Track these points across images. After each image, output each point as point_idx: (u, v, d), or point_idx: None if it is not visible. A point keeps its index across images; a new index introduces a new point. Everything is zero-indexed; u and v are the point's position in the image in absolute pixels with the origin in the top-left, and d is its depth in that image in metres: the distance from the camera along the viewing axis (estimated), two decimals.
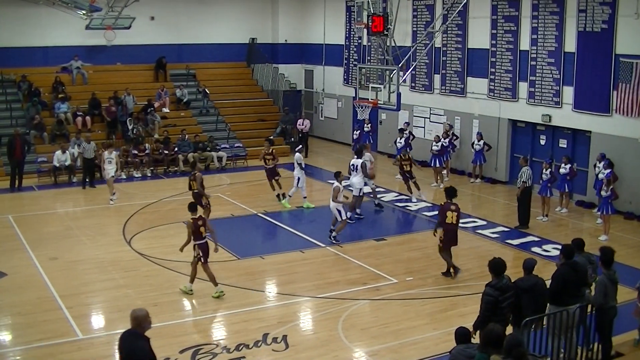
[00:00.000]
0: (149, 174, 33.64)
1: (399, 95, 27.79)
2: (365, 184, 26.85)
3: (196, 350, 15.33)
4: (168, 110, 38.81)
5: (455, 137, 33.00)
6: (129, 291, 18.80)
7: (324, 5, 41.62)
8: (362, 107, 29.62)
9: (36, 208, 27.85)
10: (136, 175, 33.27)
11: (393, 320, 17.14)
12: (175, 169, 34.49)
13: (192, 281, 18.70)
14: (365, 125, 36.10)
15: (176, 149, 34.83)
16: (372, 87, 29.13)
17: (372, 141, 37.48)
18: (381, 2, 29.60)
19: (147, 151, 34.19)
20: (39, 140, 34.52)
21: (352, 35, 40.65)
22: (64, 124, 35.49)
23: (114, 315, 17.44)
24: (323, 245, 22.81)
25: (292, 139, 39.66)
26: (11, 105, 36.10)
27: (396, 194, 29.65)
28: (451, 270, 20.06)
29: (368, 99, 28.95)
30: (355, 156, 26.89)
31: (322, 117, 43.79)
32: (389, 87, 28.04)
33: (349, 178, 26.04)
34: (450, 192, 20.81)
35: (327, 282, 19.68)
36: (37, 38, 38.14)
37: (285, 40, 44.76)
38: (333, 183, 23.55)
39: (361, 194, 26.39)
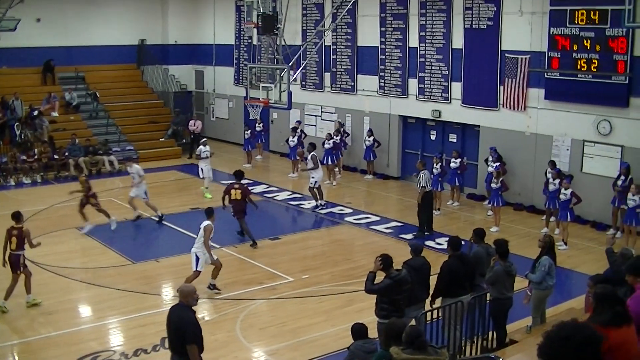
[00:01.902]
0: (39, 180, 32.94)
1: (289, 94, 27.81)
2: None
3: (94, 357, 15.08)
4: (57, 115, 38.05)
5: (346, 135, 33.22)
6: (22, 300, 18.33)
7: (213, 5, 41.39)
8: (253, 107, 29.58)
9: None
10: (25, 182, 32.50)
11: (291, 318, 17.18)
12: (66, 174, 33.83)
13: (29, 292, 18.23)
14: (257, 125, 36.12)
15: (66, 153, 34.19)
16: (262, 86, 29.13)
17: (264, 141, 37.56)
18: (270, 1, 29.59)
19: (36, 157, 33.48)
20: None
21: (242, 35, 40.59)
22: None
23: (6, 327, 17.04)
24: (217, 247, 22.58)
25: (184, 141, 39.41)
26: None
27: (289, 193, 29.71)
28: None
29: (259, 99, 28.94)
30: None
31: (213, 117, 43.58)
32: (280, 86, 28.06)
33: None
34: (238, 174, 24.17)
35: (223, 283, 19.56)
36: None
37: (175, 41, 44.38)
38: (203, 222, 19.02)
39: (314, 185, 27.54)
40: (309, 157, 27.36)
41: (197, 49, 44.23)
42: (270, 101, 28.44)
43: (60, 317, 17.39)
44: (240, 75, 40.69)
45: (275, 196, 29.41)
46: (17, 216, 18.31)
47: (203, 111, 44.11)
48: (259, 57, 38.12)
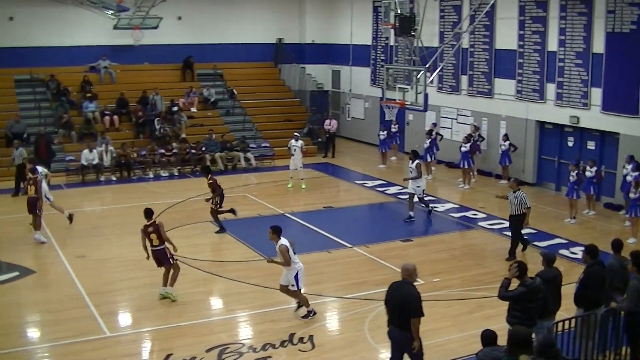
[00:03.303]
0: (176, 173, 33.82)
1: (426, 96, 27.73)
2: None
3: (222, 349, 15.38)
4: (195, 110, 38.98)
5: (481, 139, 32.85)
6: (155, 290, 18.85)
7: (351, 5, 41.61)
8: (389, 108, 29.57)
9: (64, 206, 27.97)
10: (163, 175, 33.44)
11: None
12: None
13: (165, 285, 18.53)
14: (392, 126, 36.05)
15: (203, 148, 34.97)
16: (399, 87, 29.10)
17: (399, 142, 37.47)
18: (408, 2, 29.54)
19: (174, 150, 34.37)
20: (66, 139, 34.80)
21: (379, 36, 40.65)
22: (91, 122, 35.78)
23: (140, 314, 17.59)
24: (349, 246, 22.82)
25: (320, 139, 39.68)
26: (40, 105, 36.53)
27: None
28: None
29: (395, 100, 28.92)
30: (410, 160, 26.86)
31: (349, 117, 43.82)
32: (416, 87, 28.01)
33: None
34: (206, 169, 25.81)
35: (353, 283, 19.67)
36: (65, 38, 38.44)
37: (312, 41, 44.80)
38: (279, 243, 17.14)
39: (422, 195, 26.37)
40: (414, 166, 26.33)
41: (334, 48, 44.52)
42: (406, 102, 28.38)
43: (191, 308, 17.78)
44: (377, 75, 40.74)
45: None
46: (149, 213, 18.62)
47: (339, 111, 44.37)
48: (395, 58, 38.07)
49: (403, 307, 12.72)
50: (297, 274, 17.00)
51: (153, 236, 18.22)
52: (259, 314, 17.59)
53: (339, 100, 44.77)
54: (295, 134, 32.27)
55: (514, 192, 21.70)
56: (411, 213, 26.24)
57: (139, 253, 21.02)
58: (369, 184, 31.84)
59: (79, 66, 38.94)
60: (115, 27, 38.19)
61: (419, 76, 27.87)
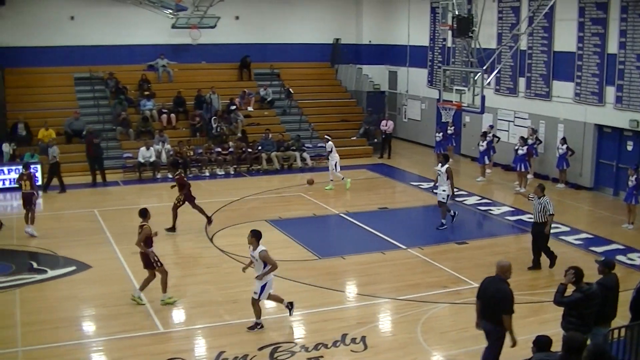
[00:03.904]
0: (232, 172, 34.01)
1: (483, 98, 27.54)
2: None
3: (275, 348, 15.44)
4: (252, 109, 39.17)
5: (538, 142, 32.52)
6: (210, 287, 19.02)
7: (408, 6, 41.51)
8: (446, 110, 29.43)
9: (121, 203, 28.34)
10: (219, 173, 33.63)
11: (472, 324, 16.88)
12: (258, 167, 34.74)
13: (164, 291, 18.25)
14: (449, 127, 35.85)
15: (259, 147, 35.10)
16: (456, 89, 28.96)
17: (455, 144, 37.26)
18: (466, 3, 29.34)
19: (230, 149, 34.55)
20: (124, 137, 35.24)
21: (436, 37, 40.47)
22: (149, 120, 36.16)
23: (194, 311, 17.73)
24: (404, 247, 22.75)
25: (376, 140, 39.61)
26: (99, 102, 37.02)
27: (478, 198, 29.37)
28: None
29: (452, 101, 28.77)
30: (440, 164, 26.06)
31: (405, 118, 43.70)
32: (473, 89, 27.83)
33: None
34: (174, 164, 28.05)
35: (407, 284, 19.60)
36: (124, 37, 38.97)
37: (370, 41, 44.79)
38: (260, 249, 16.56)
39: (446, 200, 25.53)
40: (443, 170, 25.48)
41: (391, 49, 44.45)
42: (463, 104, 28.22)
43: (243, 306, 17.72)
44: (434, 77, 40.57)
45: (464, 200, 29.12)
46: (142, 214, 18.41)
47: (395, 112, 44.29)
48: (452, 60, 37.94)
49: (492, 303, 13.28)
50: (265, 284, 16.47)
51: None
52: (311, 313, 17.62)
53: (395, 101, 44.69)
54: (326, 136, 32.46)
55: (539, 198, 21.10)
56: (452, 212, 26.02)
57: (194, 250, 21.33)
58: (425, 185, 31.67)
59: (137, 65, 39.46)
60: (174, 26, 38.61)
61: (476, 78, 27.70)
